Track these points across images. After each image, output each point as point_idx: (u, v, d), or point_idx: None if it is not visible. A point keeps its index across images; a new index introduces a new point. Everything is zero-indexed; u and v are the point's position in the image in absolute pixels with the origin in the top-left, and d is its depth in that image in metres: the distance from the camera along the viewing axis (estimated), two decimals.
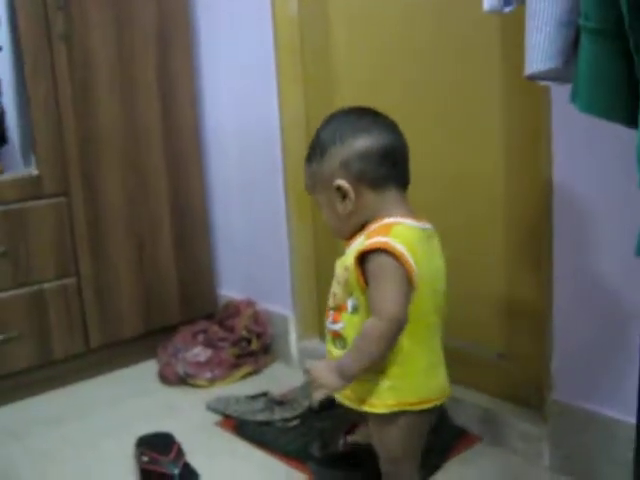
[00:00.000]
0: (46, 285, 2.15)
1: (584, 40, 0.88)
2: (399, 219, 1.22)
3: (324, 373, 1.21)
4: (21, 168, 2.22)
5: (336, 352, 1.28)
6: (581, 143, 1.42)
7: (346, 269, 1.23)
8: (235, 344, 2.25)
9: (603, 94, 0.88)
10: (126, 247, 2.30)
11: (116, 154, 2.24)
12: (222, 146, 2.46)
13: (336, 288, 1.28)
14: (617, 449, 1.45)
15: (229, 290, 2.52)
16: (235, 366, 2.23)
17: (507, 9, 1.01)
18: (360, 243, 1.22)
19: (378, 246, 1.16)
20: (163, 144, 2.34)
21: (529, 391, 1.71)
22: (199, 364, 2.21)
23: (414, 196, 1.31)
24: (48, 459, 1.84)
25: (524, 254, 1.70)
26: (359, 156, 1.20)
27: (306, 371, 1.27)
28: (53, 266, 2.16)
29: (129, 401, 2.12)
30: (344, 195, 1.23)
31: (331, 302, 1.29)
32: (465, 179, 1.79)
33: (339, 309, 1.26)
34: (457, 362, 1.87)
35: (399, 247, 1.16)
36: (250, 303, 2.35)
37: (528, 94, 1.53)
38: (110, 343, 2.30)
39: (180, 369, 2.19)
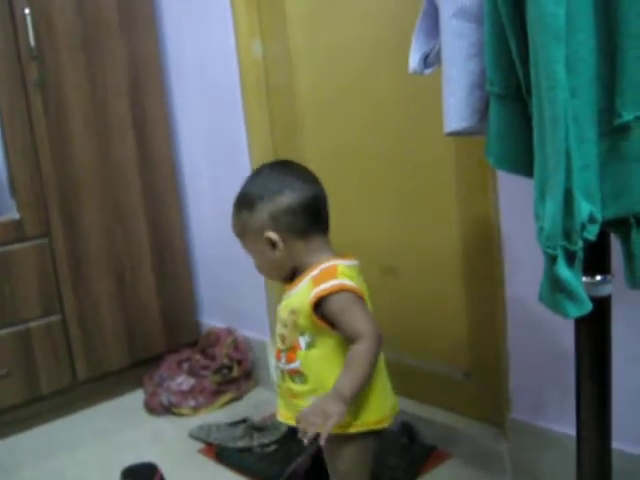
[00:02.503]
0: (32, 323, 2.23)
1: (492, 102, 0.97)
2: (335, 261, 1.34)
3: (321, 408, 1.23)
4: (8, 207, 2.29)
5: (298, 388, 1.36)
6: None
7: (293, 312, 1.33)
8: (217, 372, 2.33)
9: (510, 151, 0.96)
10: (108, 282, 2.38)
11: (95, 193, 2.33)
12: (197, 179, 2.54)
13: (283, 331, 1.37)
14: (571, 463, 1.52)
15: (210, 318, 2.60)
16: (218, 393, 2.31)
17: (427, 71, 1.10)
18: (306, 288, 1.32)
19: (333, 289, 1.28)
20: (140, 181, 2.43)
21: (492, 409, 1.79)
22: (183, 393, 2.28)
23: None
24: None
25: (481, 281, 1.78)
26: (285, 210, 1.33)
27: (298, 421, 1.28)
28: (38, 304, 2.24)
29: (116, 432, 2.20)
30: (274, 245, 1.34)
31: (280, 344, 1.38)
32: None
33: (292, 349, 1.35)
34: (426, 382, 1.97)
35: (350, 283, 1.30)
36: (230, 331, 2.43)
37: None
38: (97, 376, 2.38)
39: (164, 399, 2.27)
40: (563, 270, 0.86)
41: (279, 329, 1.39)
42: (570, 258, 0.87)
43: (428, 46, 1.10)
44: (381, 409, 1.37)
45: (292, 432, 1.98)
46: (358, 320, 1.28)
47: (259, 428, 2.01)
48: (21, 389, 2.23)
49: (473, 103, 1.01)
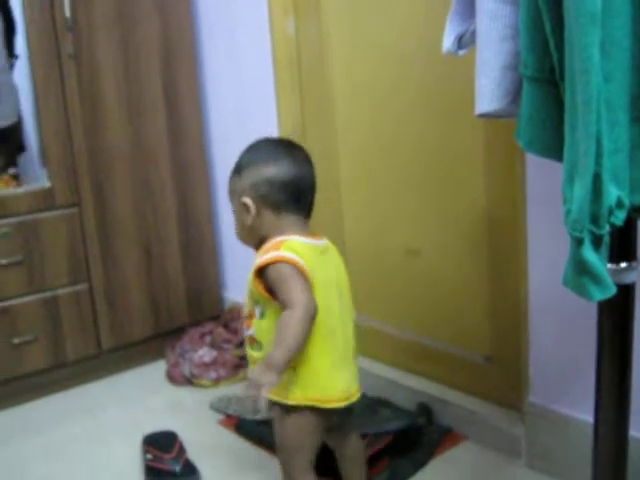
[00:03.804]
0: (60, 291, 2.28)
1: (525, 85, 0.97)
2: (288, 237, 1.37)
3: (257, 374, 1.29)
4: (40, 176, 2.34)
5: (256, 354, 1.40)
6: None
7: (248, 282, 1.39)
8: (239, 346, 2.36)
9: (541, 134, 0.97)
10: (135, 254, 2.42)
11: (125, 166, 2.36)
12: (226, 155, 2.55)
13: (246, 298, 1.43)
14: (587, 449, 1.53)
15: (234, 293, 2.63)
16: (239, 367, 2.34)
17: (461, 52, 1.10)
18: (256, 260, 1.37)
19: (272, 260, 1.33)
20: (170, 154, 2.45)
21: (510, 393, 1.81)
22: (204, 365, 2.32)
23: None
24: (61, 454, 1.97)
25: (504, 265, 1.79)
26: (265, 181, 1.38)
27: (247, 381, 1.33)
28: (66, 273, 2.29)
29: (138, 401, 2.24)
30: (247, 210, 1.40)
31: (244, 311, 1.45)
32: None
33: (250, 316, 1.42)
34: (446, 364, 1.99)
35: (288, 255, 1.33)
36: None
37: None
38: (120, 345, 2.42)
39: (186, 370, 2.31)
40: (589, 253, 0.87)
41: (245, 296, 1.44)
42: (596, 242, 0.87)
43: (463, 27, 1.10)
44: (327, 388, 1.38)
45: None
46: (291, 290, 1.30)
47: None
48: (47, 355, 2.28)
49: (505, 85, 1.01)
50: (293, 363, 1.33)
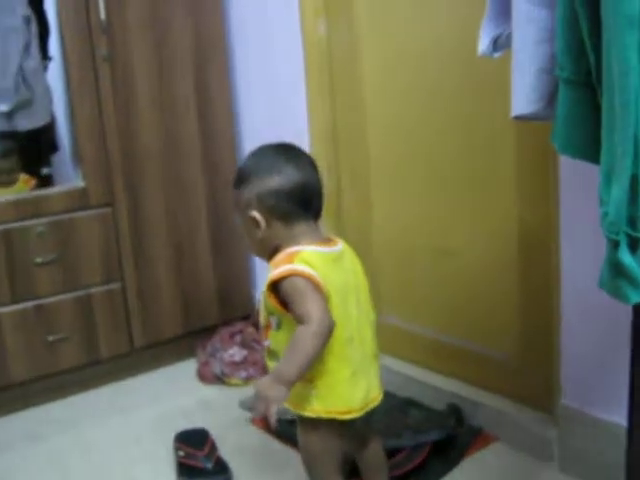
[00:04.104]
0: (93, 290, 2.31)
1: (561, 87, 0.97)
2: (301, 247, 1.34)
3: (265, 387, 1.28)
4: (72, 175, 2.39)
5: (272, 365, 1.39)
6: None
7: (263, 293, 1.36)
8: None
9: (577, 137, 0.97)
10: (167, 253, 2.44)
11: (157, 166, 2.39)
12: None
13: (261, 308, 1.41)
14: (620, 452, 1.53)
15: None
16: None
17: (496, 54, 1.11)
18: (269, 272, 1.34)
19: (286, 274, 1.29)
20: (201, 155, 2.48)
21: (542, 395, 1.80)
22: (235, 364, 2.34)
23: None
24: (94, 450, 2.00)
25: (538, 260, 1.79)
26: (271, 193, 1.34)
27: (255, 393, 1.32)
28: (99, 272, 2.32)
29: (169, 398, 2.27)
30: (257, 225, 1.36)
31: (261, 321, 1.43)
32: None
33: (266, 327, 1.39)
34: (475, 364, 1.98)
35: (302, 268, 1.29)
36: None
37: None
38: (152, 343, 2.45)
39: (217, 369, 2.33)
40: (625, 256, 0.87)
41: (261, 306, 1.42)
42: (633, 245, 0.87)
43: (498, 29, 1.11)
44: (347, 400, 1.36)
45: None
46: (306, 305, 1.27)
47: None
48: (81, 352, 2.31)
49: (541, 88, 1.01)
50: (310, 377, 1.32)
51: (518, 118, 1.06)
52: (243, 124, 2.60)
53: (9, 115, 2.33)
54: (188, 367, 2.48)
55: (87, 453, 1.99)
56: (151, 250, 2.41)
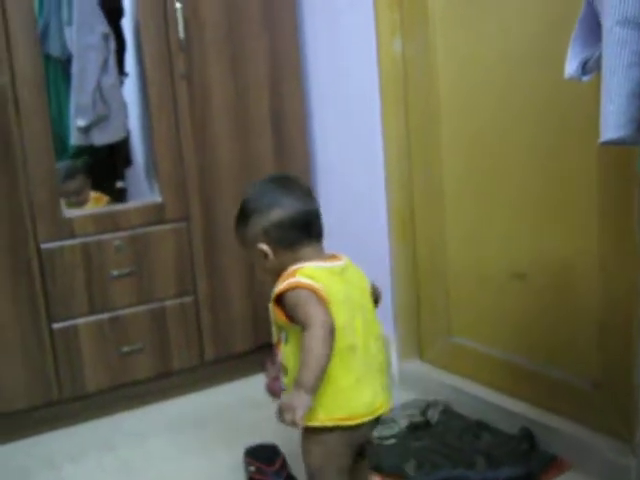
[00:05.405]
0: (167, 302, 2.36)
1: None
2: (306, 264, 1.42)
3: (287, 403, 1.32)
4: (145, 189, 2.45)
5: (284, 380, 1.46)
6: None
7: (270, 309, 1.44)
8: None
9: None
10: (239, 268, 2.47)
11: (232, 183, 2.43)
12: (330, 173, 2.60)
13: (273, 325, 1.47)
14: None
15: None
16: None
17: (585, 78, 1.09)
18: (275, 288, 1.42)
19: (289, 287, 1.37)
20: (275, 172, 2.49)
21: (620, 422, 1.75)
22: None
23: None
24: (166, 462, 2.04)
25: (618, 287, 1.74)
26: (275, 225, 1.43)
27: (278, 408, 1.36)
28: (173, 285, 2.37)
29: (238, 413, 2.29)
30: (265, 256, 1.45)
31: (273, 337, 1.49)
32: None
33: (278, 342, 1.46)
34: (551, 389, 1.94)
35: (305, 280, 1.37)
36: None
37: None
38: (223, 357, 2.48)
39: None
40: None
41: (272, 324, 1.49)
42: None
43: (586, 52, 1.09)
44: (353, 405, 1.39)
45: (411, 427, 2.01)
46: (308, 311, 1.33)
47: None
48: (153, 364, 2.36)
49: (632, 112, 0.99)
50: None
51: (607, 143, 1.04)
52: (317, 141, 2.62)
53: (86, 130, 2.41)
54: (258, 382, 2.49)
55: (157, 464, 2.02)
56: (224, 264, 2.44)
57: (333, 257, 1.48)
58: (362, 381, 1.41)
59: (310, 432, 1.42)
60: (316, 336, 1.32)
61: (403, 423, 2.01)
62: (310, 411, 1.36)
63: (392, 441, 1.97)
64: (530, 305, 1.97)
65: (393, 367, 2.39)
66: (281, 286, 1.39)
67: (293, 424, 1.31)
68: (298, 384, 1.32)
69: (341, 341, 1.37)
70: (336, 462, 1.44)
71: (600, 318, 1.80)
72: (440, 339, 2.33)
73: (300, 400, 1.30)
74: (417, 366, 2.37)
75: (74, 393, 2.26)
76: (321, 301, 1.35)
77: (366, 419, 1.41)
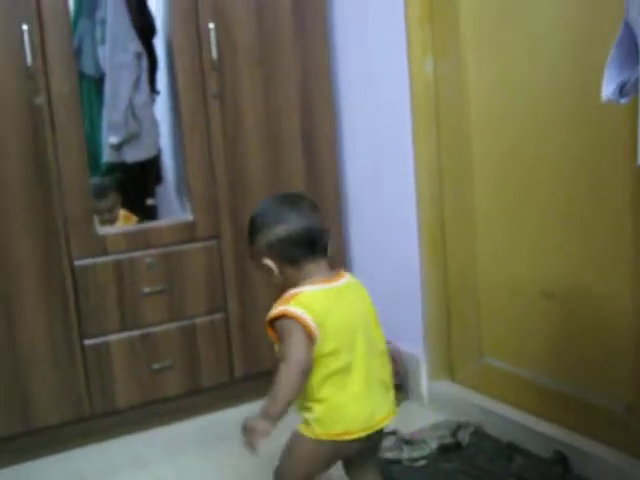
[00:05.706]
0: (197, 320, 2.37)
1: None
2: (303, 288, 1.46)
3: (251, 423, 1.41)
4: (175, 206, 2.46)
5: None
6: None
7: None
8: None
9: None
10: (268, 287, 2.47)
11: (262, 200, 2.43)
12: (360, 194, 2.60)
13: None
14: None
15: None
16: None
17: (623, 100, 1.08)
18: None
19: (278, 314, 1.44)
20: (305, 191, 2.50)
21: None
22: None
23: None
24: (195, 477, 2.04)
25: None
26: (278, 241, 1.47)
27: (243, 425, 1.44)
28: (204, 303, 2.38)
29: None
30: (270, 270, 1.50)
31: (278, 355, 1.51)
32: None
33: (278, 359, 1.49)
34: (584, 413, 1.92)
35: (293, 310, 1.41)
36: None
37: None
38: (252, 374, 2.48)
39: None
40: None
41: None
42: None
43: (624, 75, 1.08)
44: (350, 421, 1.44)
45: (442, 449, 2.00)
46: (287, 345, 1.40)
47: (408, 441, 2.03)
48: (183, 381, 2.37)
49: None
50: (309, 405, 1.45)
51: None
52: (347, 161, 2.62)
53: (118, 147, 2.44)
54: None
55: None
56: (254, 282, 2.45)
57: (337, 275, 1.52)
58: (360, 396, 1.46)
59: (304, 438, 1.47)
60: (288, 372, 1.39)
61: (434, 444, 2.00)
62: (308, 425, 1.45)
63: (422, 462, 1.96)
64: (561, 324, 1.95)
65: (423, 386, 2.38)
66: (273, 311, 1.44)
67: (250, 446, 1.40)
68: (264, 411, 1.41)
69: (332, 364, 1.43)
70: (313, 469, 1.51)
71: (634, 339, 1.78)
72: (471, 359, 2.31)
73: (262, 426, 1.39)
74: (448, 386, 2.36)
75: (105, 409, 2.28)
76: (304, 334, 1.40)
77: (363, 433, 1.45)
